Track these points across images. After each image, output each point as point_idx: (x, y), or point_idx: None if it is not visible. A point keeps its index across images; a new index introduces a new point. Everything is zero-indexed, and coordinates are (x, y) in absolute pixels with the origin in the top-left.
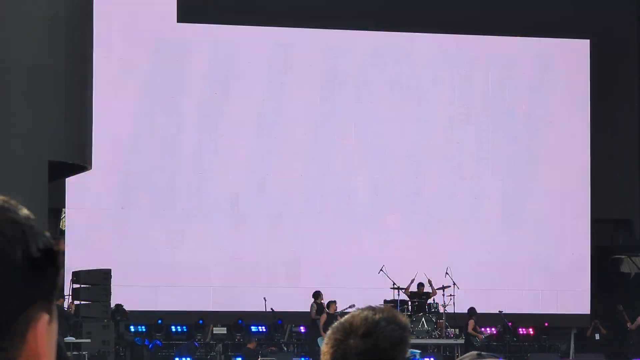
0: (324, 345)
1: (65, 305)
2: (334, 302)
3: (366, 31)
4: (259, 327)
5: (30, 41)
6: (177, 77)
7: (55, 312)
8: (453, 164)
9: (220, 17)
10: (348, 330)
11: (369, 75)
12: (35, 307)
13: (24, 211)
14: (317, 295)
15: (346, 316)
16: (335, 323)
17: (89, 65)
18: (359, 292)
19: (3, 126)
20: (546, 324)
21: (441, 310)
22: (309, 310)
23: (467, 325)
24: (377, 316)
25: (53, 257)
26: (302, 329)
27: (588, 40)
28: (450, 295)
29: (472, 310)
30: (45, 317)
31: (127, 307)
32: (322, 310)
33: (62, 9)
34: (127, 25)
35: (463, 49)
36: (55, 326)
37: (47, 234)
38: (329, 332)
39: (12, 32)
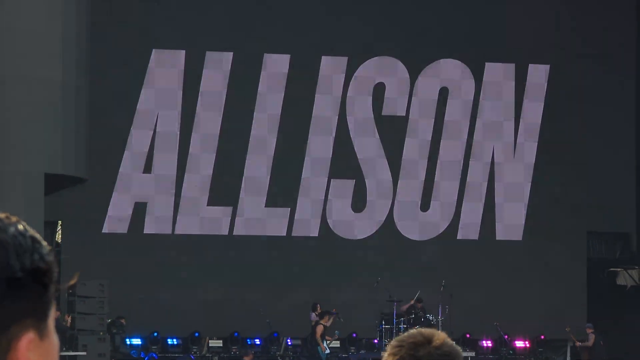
0: (388, 353)
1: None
2: (328, 313)
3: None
4: (255, 340)
5: (28, 55)
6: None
7: (49, 330)
8: (459, 182)
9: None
10: (429, 337)
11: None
12: (18, 326)
13: (18, 227)
14: (315, 307)
15: (413, 329)
16: (408, 332)
17: (86, 79)
18: (357, 305)
19: (0, 139)
20: (542, 337)
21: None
22: (303, 322)
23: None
24: (437, 333)
25: (41, 277)
26: (299, 341)
27: (586, 52)
28: (446, 307)
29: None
30: (29, 335)
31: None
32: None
33: (60, 23)
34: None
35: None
36: (48, 344)
37: (43, 251)
38: (398, 338)
39: (9, 46)
